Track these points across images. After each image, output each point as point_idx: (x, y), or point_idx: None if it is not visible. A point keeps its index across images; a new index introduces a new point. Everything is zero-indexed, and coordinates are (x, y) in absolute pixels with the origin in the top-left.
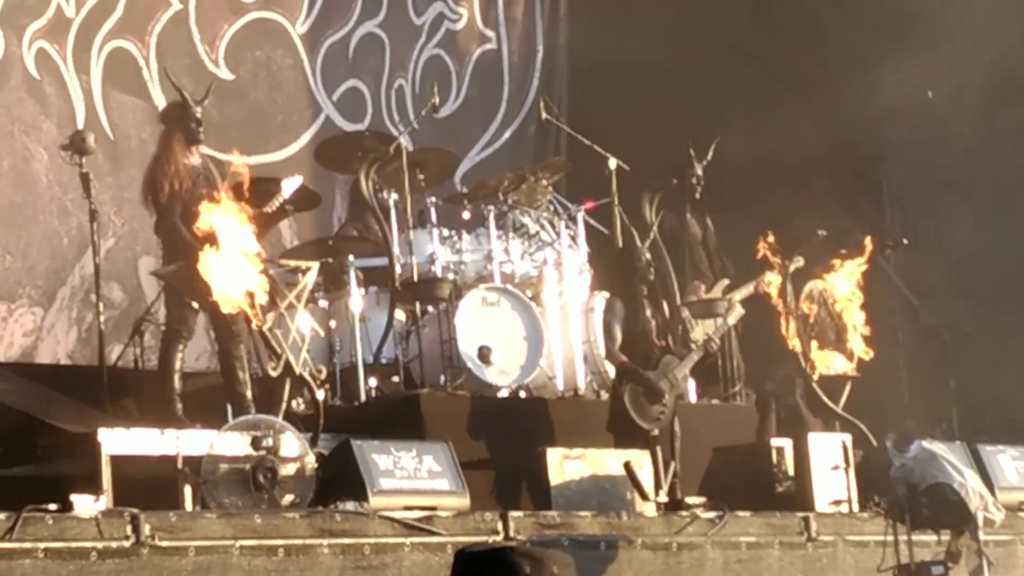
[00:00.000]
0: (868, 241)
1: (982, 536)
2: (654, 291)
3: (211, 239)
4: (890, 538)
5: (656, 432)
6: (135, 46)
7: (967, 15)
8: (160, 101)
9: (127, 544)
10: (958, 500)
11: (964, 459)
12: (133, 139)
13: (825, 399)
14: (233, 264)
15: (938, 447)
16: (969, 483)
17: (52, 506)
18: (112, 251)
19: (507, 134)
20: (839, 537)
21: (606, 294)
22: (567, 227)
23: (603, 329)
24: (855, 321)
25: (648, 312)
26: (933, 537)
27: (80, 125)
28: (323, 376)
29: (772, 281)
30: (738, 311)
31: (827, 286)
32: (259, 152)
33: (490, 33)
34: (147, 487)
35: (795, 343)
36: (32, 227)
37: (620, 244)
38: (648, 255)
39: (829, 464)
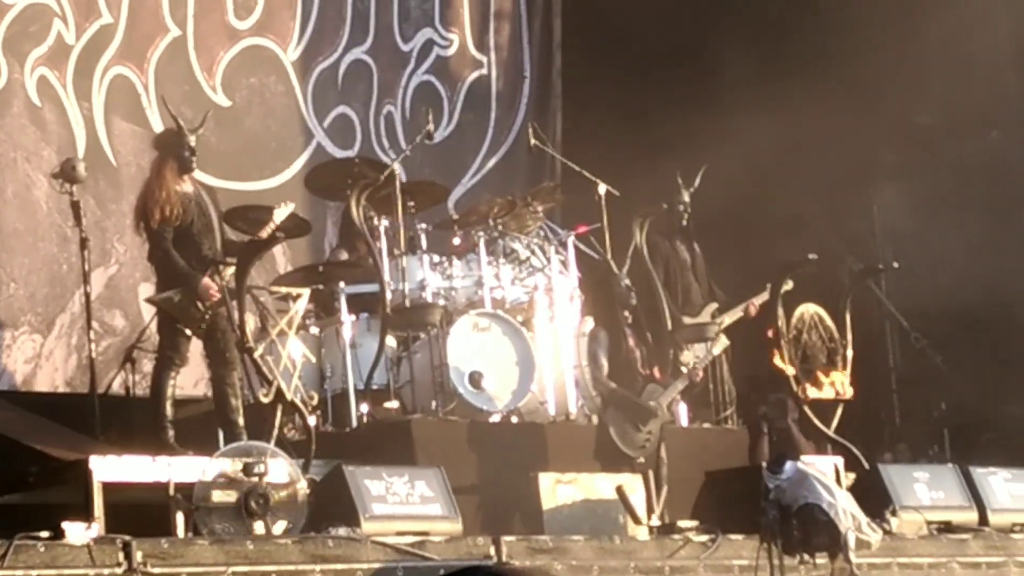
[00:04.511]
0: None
1: (854, 558)
2: (638, 319)
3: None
4: (763, 562)
5: (642, 460)
6: (134, 73)
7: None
8: (159, 128)
9: (119, 571)
10: (827, 520)
11: (954, 481)
12: (133, 166)
13: (817, 422)
14: None
15: (812, 468)
16: (840, 503)
17: (44, 534)
18: (115, 278)
19: (493, 161)
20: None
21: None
22: (557, 252)
23: (589, 358)
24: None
25: (632, 341)
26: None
27: (81, 152)
28: (314, 402)
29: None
30: (723, 342)
31: (818, 310)
32: (254, 179)
33: (482, 58)
34: (139, 514)
35: (787, 367)
36: (33, 254)
37: (614, 270)
38: (627, 281)
39: None
